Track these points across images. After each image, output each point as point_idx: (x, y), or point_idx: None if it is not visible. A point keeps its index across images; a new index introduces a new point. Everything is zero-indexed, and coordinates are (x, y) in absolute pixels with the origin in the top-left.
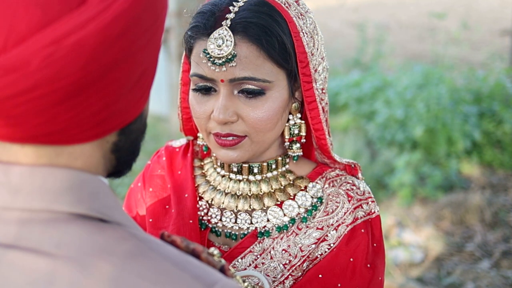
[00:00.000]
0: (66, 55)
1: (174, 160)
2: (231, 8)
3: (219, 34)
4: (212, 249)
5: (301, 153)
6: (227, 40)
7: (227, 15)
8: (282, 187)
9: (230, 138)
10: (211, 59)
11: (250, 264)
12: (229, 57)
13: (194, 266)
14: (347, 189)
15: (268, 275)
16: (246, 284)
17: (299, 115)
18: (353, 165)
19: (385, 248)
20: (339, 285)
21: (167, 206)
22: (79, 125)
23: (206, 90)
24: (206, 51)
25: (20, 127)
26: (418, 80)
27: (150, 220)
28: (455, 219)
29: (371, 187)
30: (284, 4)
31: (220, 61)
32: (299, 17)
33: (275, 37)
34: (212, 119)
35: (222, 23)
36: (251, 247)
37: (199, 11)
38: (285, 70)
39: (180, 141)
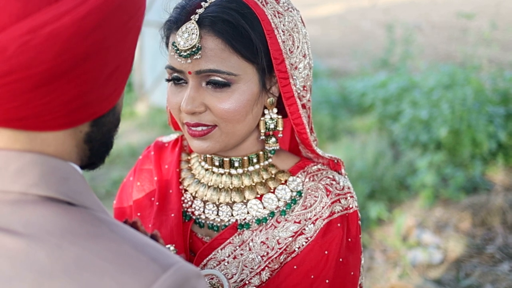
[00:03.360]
0: (41, 43)
1: (163, 154)
2: (202, 3)
3: (186, 28)
4: (168, 246)
5: (278, 147)
6: (192, 33)
7: (197, 10)
8: (264, 181)
9: (200, 128)
10: (178, 51)
11: (229, 255)
12: (194, 49)
13: (153, 249)
14: (327, 184)
15: (246, 266)
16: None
17: (275, 110)
18: (336, 161)
19: (400, 249)
20: (312, 276)
21: (152, 199)
22: (52, 112)
23: (178, 81)
24: (174, 44)
25: None
26: (444, 80)
27: (139, 214)
28: (477, 221)
29: (393, 187)
30: (261, 2)
31: (185, 53)
32: (275, 15)
33: (241, 32)
34: (181, 109)
35: (191, 17)
36: (231, 238)
37: (175, 6)
38: (255, 64)
39: (170, 137)
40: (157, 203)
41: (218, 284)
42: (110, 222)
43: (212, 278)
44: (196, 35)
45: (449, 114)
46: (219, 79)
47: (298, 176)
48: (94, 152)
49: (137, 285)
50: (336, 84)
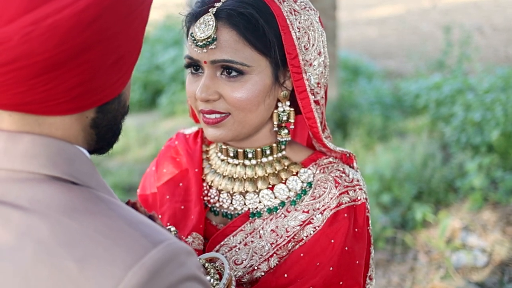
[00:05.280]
0: (42, 34)
1: (184, 145)
2: None
3: (204, 20)
4: (169, 227)
5: (289, 138)
6: (209, 24)
7: (215, 4)
8: (276, 172)
9: (213, 116)
10: (195, 42)
11: (240, 242)
12: (209, 40)
13: (146, 226)
14: (336, 176)
15: (256, 253)
16: (207, 264)
17: (288, 103)
18: (348, 155)
19: (444, 251)
20: (317, 263)
21: (181, 184)
22: (55, 98)
23: (196, 70)
24: (192, 34)
25: (2, 94)
26: (499, 83)
27: (167, 197)
28: None
29: (441, 189)
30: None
31: (201, 43)
32: (291, 13)
33: (255, 26)
34: (195, 97)
35: (209, 10)
36: (243, 226)
37: (197, 0)
38: (268, 57)
39: (191, 129)
40: (190, 197)
41: (221, 267)
42: (109, 201)
43: (221, 264)
44: (212, 26)
45: (502, 117)
46: (233, 69)
47: (309, 168)
48: (101, 137)
49: (128, 258)
50: (391, 85)
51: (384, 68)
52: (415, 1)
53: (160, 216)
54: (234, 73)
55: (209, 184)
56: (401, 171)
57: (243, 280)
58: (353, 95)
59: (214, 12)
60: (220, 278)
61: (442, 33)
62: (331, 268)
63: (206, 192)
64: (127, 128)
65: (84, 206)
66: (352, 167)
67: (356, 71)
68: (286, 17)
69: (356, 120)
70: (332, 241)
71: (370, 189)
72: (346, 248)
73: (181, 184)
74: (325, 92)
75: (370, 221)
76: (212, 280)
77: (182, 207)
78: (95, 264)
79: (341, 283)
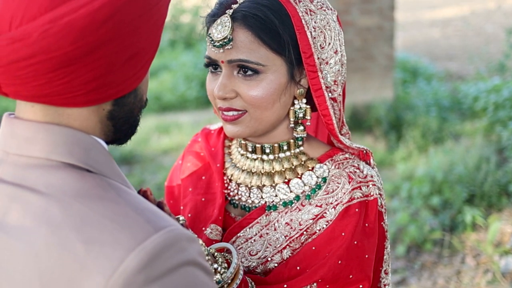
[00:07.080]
0: (59, 31)
1: (209, 140)
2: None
3: (221, 21)
4: (178, 216)
5: (305, 135)
6: (225, 25)
7: (232, 6)
8: (293, 167)
9: (231, 113)
10: (212, 42)
11: (256, 234)
12: (226, 40)
13: (151, 213)
14: (350, 172)
15: (270, 244)
16: (216, 253)
17: (304, 100)
18: (365, 151)
19: (492, 255)
20: (327, 254)
21: (203, 177)
22: (72, 91)
23: (214, 69)
24: (210, 35)
25: (24, 86)
26: None
27: (190, 189)
28: None
29: (494, 193)
30: (294, 0)
31: (218, 44)
32: (307, 13)
33: (269, 26)
34: (214, 95)
35: (226, 11)
36: (259, 218)
37: (216, 2)
38: (283, 57)
39: (217, 125)
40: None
41: (231, 256)
42: (119, 188)
43: (233, 252)
44: (229, 27)
45: None
46: (249, 68)
47: (325, 164)
48: (118, 129)
49: (131, 242)
50: (450, 88)
51: (445, 70)
52: (480, 2)
53: (182, 208)
54: (250, 72)
55: (229, 177)
56: (453, 174)
57: (257, 270)
58: (409, 97)
59: (230, 14)
60: (229, 267)
61: (505, 35)
62: (339, 262)
63: (226, 185)
64: (183, 125)
65: (95, 192)
66: (369, 164)
67: (415, 72)
68: (302, 17)
69: (411, 121)
70: (343, 234)
71: (420, 191)
72: (355, 242)
73: (203, 178)
74: (343, 90)
75: (385, 217)
76: (219, 268)
77: (203, 199)
78: (100, 246)
79: (350, 276)
